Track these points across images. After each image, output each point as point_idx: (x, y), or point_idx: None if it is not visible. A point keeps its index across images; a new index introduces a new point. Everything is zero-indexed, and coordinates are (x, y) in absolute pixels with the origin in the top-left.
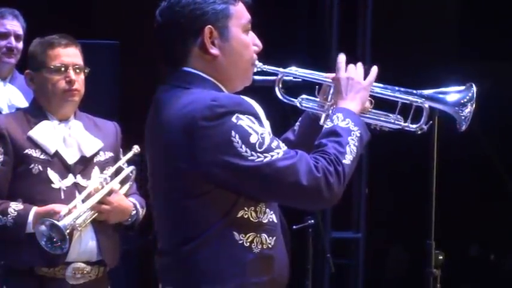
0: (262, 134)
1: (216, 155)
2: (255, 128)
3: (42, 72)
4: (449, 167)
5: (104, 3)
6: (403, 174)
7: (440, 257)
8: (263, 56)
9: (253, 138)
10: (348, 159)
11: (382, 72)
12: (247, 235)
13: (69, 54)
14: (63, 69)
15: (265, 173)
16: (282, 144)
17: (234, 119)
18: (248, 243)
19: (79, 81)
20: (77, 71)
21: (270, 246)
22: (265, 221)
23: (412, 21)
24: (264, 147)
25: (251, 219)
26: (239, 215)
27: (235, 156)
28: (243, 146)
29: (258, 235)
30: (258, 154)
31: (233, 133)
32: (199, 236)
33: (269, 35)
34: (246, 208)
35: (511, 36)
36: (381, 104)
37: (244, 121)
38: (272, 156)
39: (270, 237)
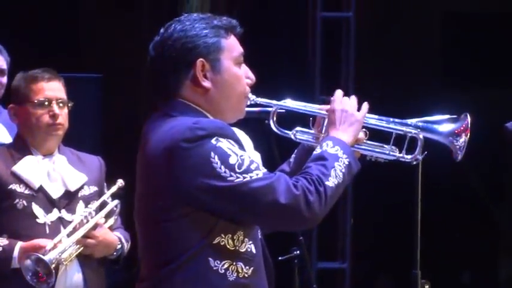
0: (241, 156)
1: (195, 176)
2: (235, 150)
3: (26, 106)
4: (434, 196)
5: (89, 37)
6: (388, 203)
7: (427, 286)
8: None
9: (232, 160)
10: (331, 182)
11: (365, 100)
12: (223, 262)
13: (53, 89)
14: (46, 103)
15: (243, 192)
16: (261, 167)
17: (213, 141)
18: (223, 270)
19: (63, 115)
20: (61, 105)
21: (246, 275)
22: (242, 250)
23: (395, 51)
24: (243, 168)
25: (227, 246)
26: (215, 241)
27: (214, 177)
28: (222, 167)
29: (234, 263)
30: (237, 175)
31: (212, 154)
32: (175, 260)
33: (252, 66)
34: (223, 235)
35: (495, 65)
36: (375, 135)
37: (224, 143)
38: (251, 177)
39: (247, 267)
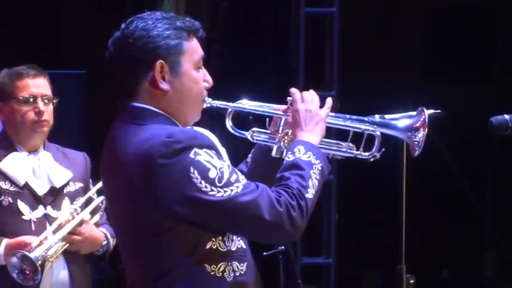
0: (221, 168)
1: (176, 192)
2: (214, 162)
3: (11, 103)
4: (420, 191)
5: (72, 34)
6: (373, 198)
7: (412, 281)
8: (231, 82)
9: (212, 173)
10: (310, 193)
11: (349, 97)
12: (218, 265)
13: (38, 85)
14: (31, 100)
15: (226, 208)
16: (241, 177)
17: (192, 154)
18: (220, 273)
19: (48, 112)
20: (46, 101)
21: (242, 272)
22: (234, 249)
23: (378, 48)
24: (223, 182)
25: (220, 249)
26: (207, 246)
27: (195, 192)
28: (202, 182)
29: (229, 263)
30: (218, 189)
31: (192, 169)
32: (170, 272)
33: (236, 63)
34: (213, 239)
35: (475, 61)
36: (333, 129)
37: (203, 156)
38: (232, 190)
39: (242, 264)
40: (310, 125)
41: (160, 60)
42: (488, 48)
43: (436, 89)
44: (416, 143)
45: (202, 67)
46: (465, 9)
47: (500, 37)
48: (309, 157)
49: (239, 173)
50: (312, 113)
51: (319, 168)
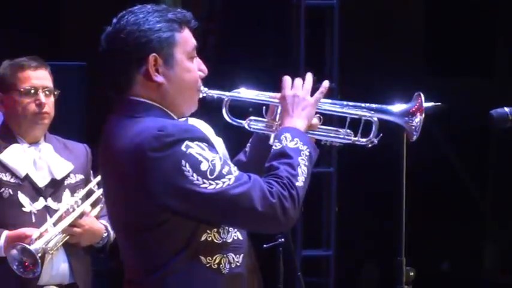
0: (212, 160)
1: (168, 185)
2: (205, 154)
3: (12, 95)
4: (419, 183)
5: (72, 25)
6: (373, 190)
7: (412, 274)
8: (229, 75)
9: (203, 166)
10: (300, 181)
11: (349, 89)
12: (214, 257)
13: (39, 77)
14: (33, 91)
15: (219, 200)
16: (233, 169)
17: (183, 147)
18: (216, 265)
19: (49, 104)
20: (47, 93)
21: (238, 264)
22: (229, 240)
23: (378, 40)
24: (215, 174)
25: (215, 240)
26: (203, 238)
27: (187, 185)
28: (194, 175)
29: (225, 255)
30: (210, 181)
31: (183, 162)
32: (166, 265)
33: (235, 55)
34: (208, 231)
35: (477, 53)
36: (331, 116)
37: (194, 149)
38: (224, 182)
39: (237, 255)
40: (297, 110)
41: (154, 54)
42: (489, 41)
43: (436, 81)
44: (413, 127)
45: (197, 57)
46: (466, 0)
47: (502, 29)
48: (296, 144)
49: (231, 165)
50: (299, 98)
51: (307, 154)
